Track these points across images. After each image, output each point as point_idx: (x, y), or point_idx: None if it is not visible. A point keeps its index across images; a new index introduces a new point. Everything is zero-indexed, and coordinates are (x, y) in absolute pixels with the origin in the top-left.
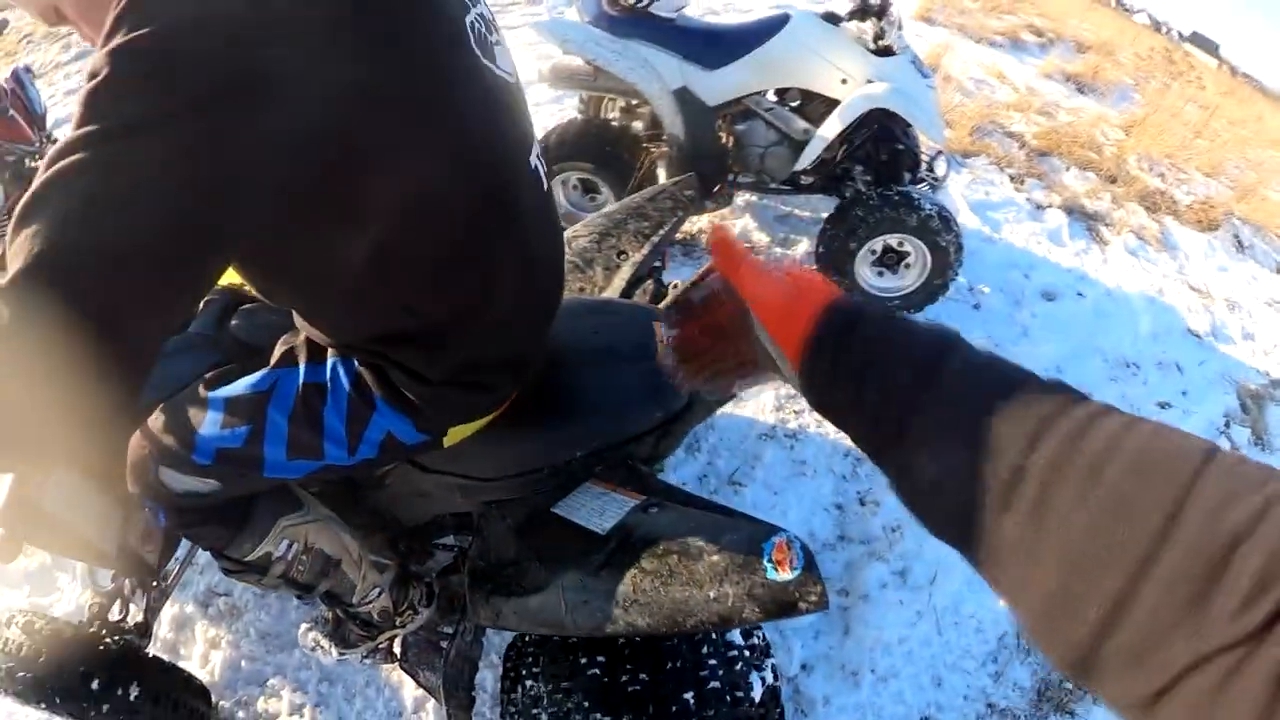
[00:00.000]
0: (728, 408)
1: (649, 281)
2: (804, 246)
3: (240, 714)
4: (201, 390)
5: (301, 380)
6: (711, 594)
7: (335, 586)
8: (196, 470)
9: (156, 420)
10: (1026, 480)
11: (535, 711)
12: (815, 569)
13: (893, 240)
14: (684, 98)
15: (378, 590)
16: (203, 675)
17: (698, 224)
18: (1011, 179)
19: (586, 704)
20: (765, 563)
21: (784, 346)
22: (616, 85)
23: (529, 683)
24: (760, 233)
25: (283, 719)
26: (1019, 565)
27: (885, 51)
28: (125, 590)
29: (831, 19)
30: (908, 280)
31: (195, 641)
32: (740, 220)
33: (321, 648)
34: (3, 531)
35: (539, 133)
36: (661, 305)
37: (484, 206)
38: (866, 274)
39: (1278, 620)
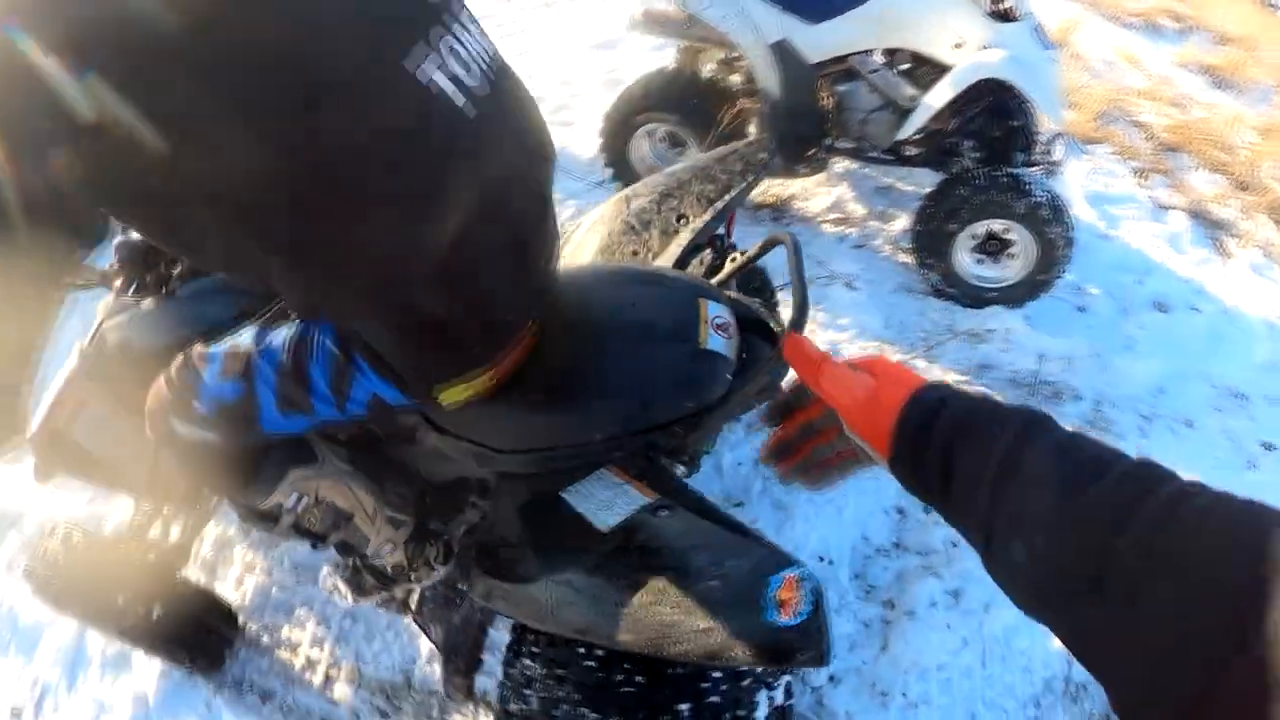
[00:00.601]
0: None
1: (707, 251)
2: (901, 223)
3: (265, 639)
4: (201, 346)
5: (290, 336)
6: (701, 624)
7: (349, 538)
8: (200, 421)
9: (171, 368)
10: (1115, 567)
11: (526, 692)
12: (823, 618)
13: (997, 226)
14: (782, 52)
15: (391, 546)
16: (234, 597)
17: (789, 188)
18: (1135, 173)
19: (577, 696)
20: (767, 601)
21: (873, 444)
22: (709, 34)
23: (527, 661)
24: (857, 204)
25: (304, 649)
26: (1111, 652)
27: (1005, 16)
28: (166, 511)
29: None
30: (1009, 272)
31: (232, 564)
32: (836, 189)
33: (339, 592)
34: (36, 462)
35: (629, 80)
36: (763, 404)
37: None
38: (965, 260)
39: None
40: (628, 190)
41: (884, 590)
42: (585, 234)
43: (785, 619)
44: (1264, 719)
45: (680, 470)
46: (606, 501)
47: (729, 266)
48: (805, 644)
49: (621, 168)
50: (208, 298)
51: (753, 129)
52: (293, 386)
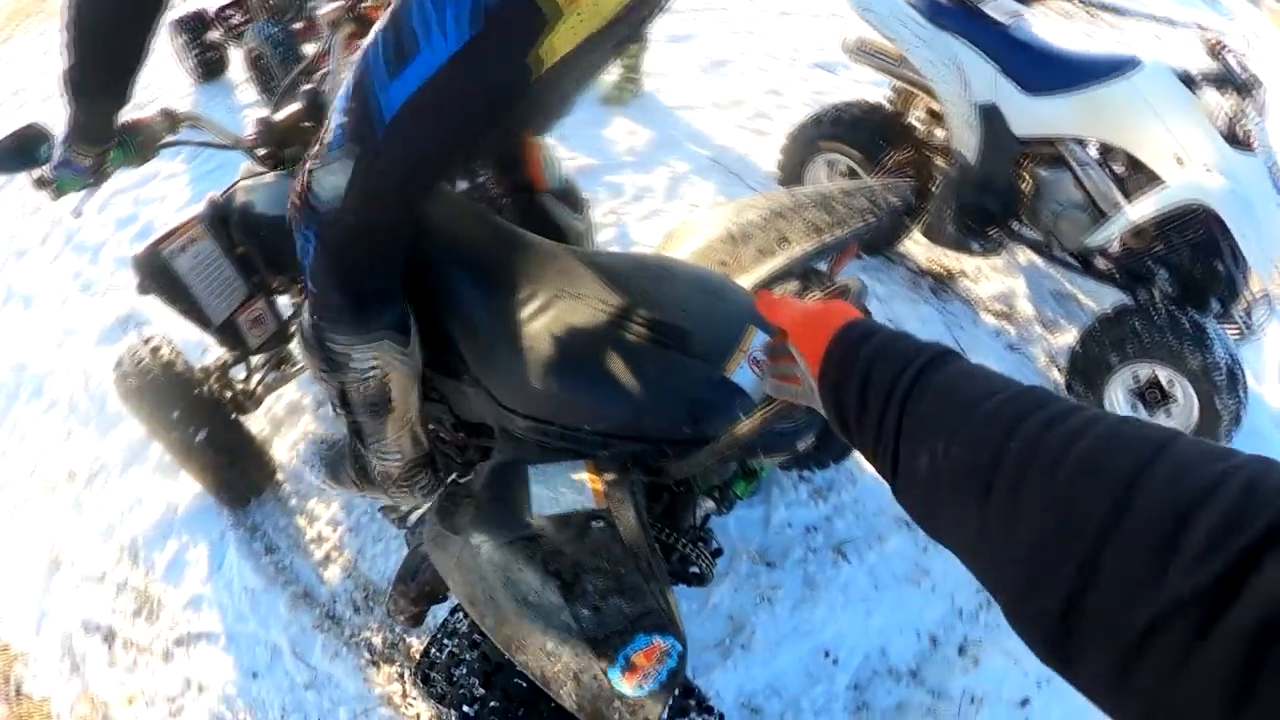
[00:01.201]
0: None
1: (795, 282)
2: (1068, 339)
3: (291, 501)
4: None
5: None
6: (549, 645)
7: (367, 425)
8: (332, 162)
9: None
10: (1003, 465)
11: (445, 642)
12: (664, 704)
13: (1163, 375)
14: (987, 116)
15: (398, 456)
16: (283, 457)
17: (962, 262)
18: None
19: (476, 666)
20: (620, 656)
21: (808, 359)
22: (916, 78)
23: (458, 615)
24: (1027, 303)
25: (319, 525)
26: (999, 546)
27: (1241, 142)
28: (252, 359)
29: (1187, 81)
30: None
31: (295, 428)
32: (1011, 280)
33: (312, 467)
34: (137, 277)
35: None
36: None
37: None
38: (1119, 397)
39: (1239, 581)
40: (745, 199)
41: (877, 715)
42: (688, 229)
43: (626, 684)
44: (1139, 586)
45: (709, 506)
46: (555, 493)
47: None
48: (634, 718)
49: (787, 186)
50: None
51: (935, 188)
52: (395, 29)
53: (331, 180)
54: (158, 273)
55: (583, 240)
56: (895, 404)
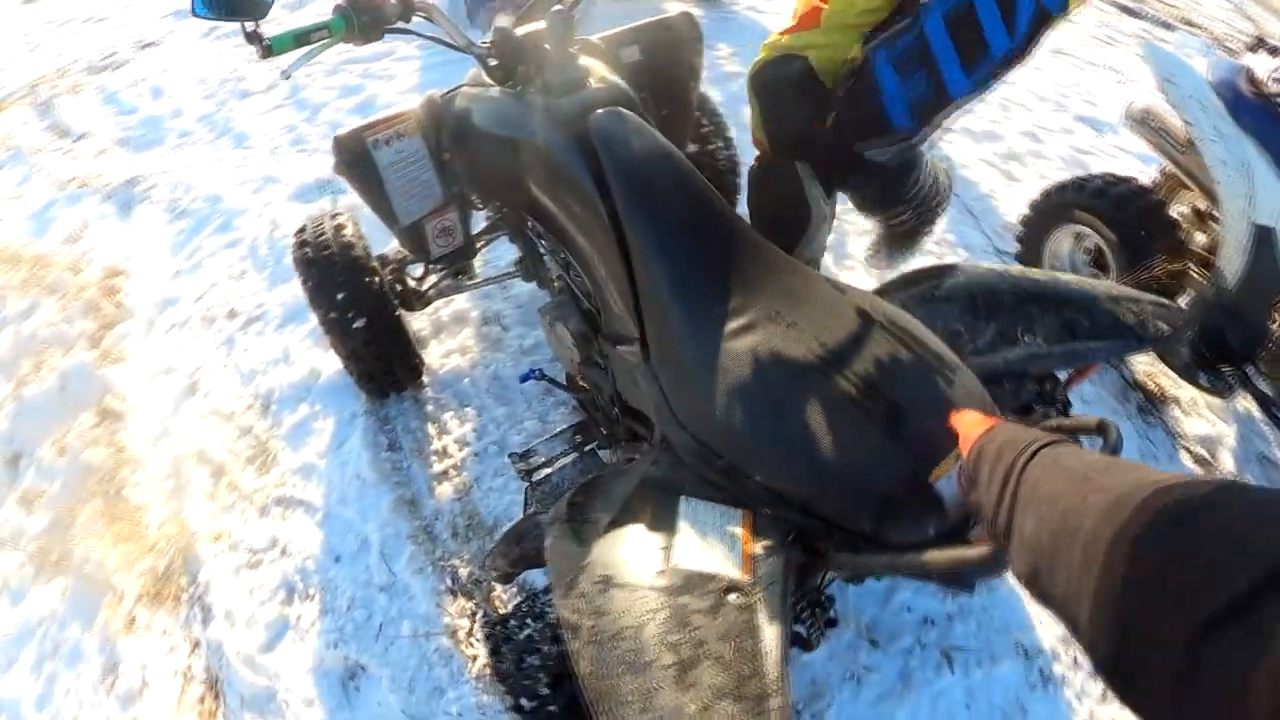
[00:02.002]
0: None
1: (1028, 382)
2: None
3: (428, 407)
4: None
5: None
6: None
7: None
8: (897, 138)
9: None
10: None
11: (517, 626)
12: None
13: None
14: (1262, 240)
15: (572, 353)
16: (434, 362)
17: (1181, 389)
18: None
19: (541, 664)
20: None
21: (964, 451)
22: (1197, 173)
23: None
24: (1229, 455)
25: (448, 440)
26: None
27: None
28: (433, 263)
29: None
30: None
31: (454, 338)
32: (1223, 427)
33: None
34: (335, 157)
35: (1096, 169)
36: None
37: None
38: None
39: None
40: (998, 266)
41: None
42: (926, 274)
43: None
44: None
45: (799, 631)
46: (705, 539)
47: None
48: None
49: (1029, 251)
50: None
51: (1184, 301)
52: (966, 32)
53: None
54: (357, 159)
55: (821, 227)
56: (1014, 475)
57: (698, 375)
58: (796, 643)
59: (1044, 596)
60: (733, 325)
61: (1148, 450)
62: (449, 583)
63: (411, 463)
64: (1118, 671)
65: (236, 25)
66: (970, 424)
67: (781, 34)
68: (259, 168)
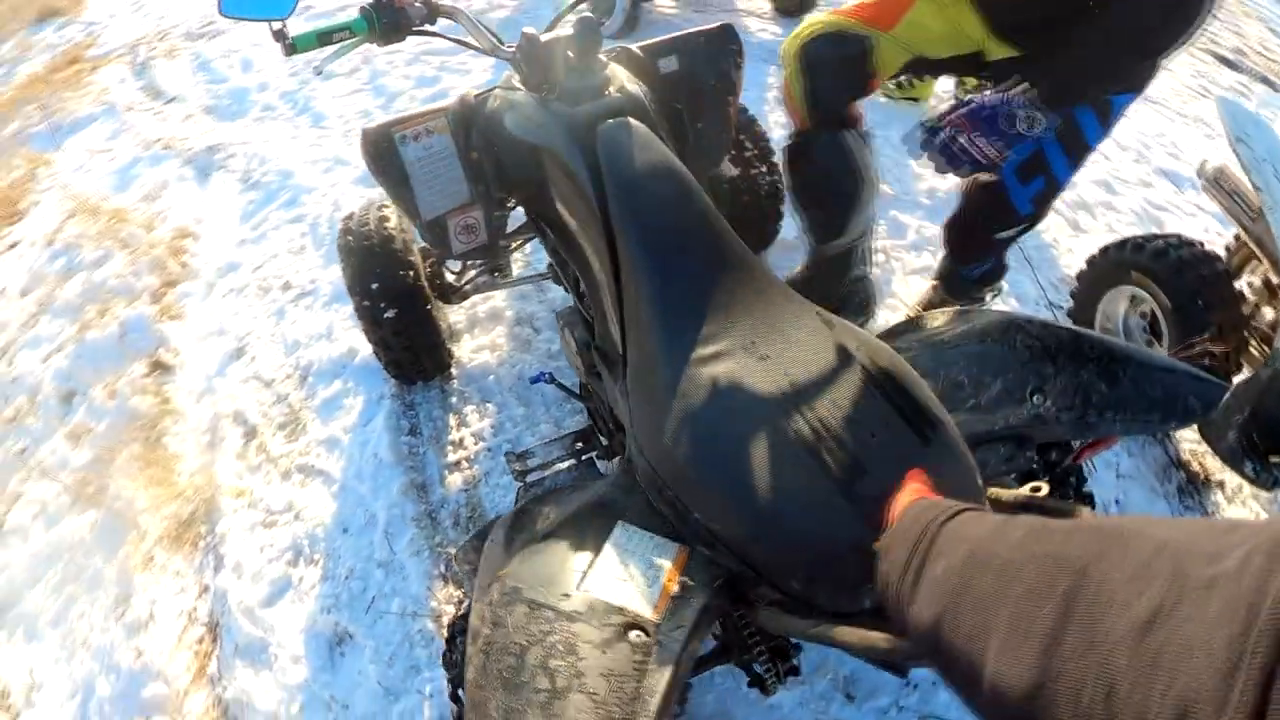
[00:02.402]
0: None
1: (1029, 450)
2: None
3: (452, 399)
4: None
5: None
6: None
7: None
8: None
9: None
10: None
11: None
12: None
13: None
14: None
15: (578, 360)
16: (464, 356)
17: (1223, 471)
18: None
19: None
20: None
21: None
22: (1267, 244)
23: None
24: None
25: (465, 432)
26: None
27: None
28: (455, 259)
29: None
30: None
31: (485, 336)
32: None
33: None
34: (362, 150)
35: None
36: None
37: None
38: None
39: None
40: (1014, 316)
41: None
42: (943, 313)
43: None
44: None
45: (757, 671)
46: (626, 568)
47: (1019, 490)
48: None
49: (1082, 308)
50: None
51: (1237, 380)
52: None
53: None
54: (383, 153)
55: (873, 194)
56: (928, 534)
57: (659, 399)
58: (754, 684)
59: (942, 649)
60: (702, 351)
61: None
62: (442, 569)
63: (428, 449)
64: (1034, 698)
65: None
66: (904, 494)
67: (841, 14)
68: (331, 148)
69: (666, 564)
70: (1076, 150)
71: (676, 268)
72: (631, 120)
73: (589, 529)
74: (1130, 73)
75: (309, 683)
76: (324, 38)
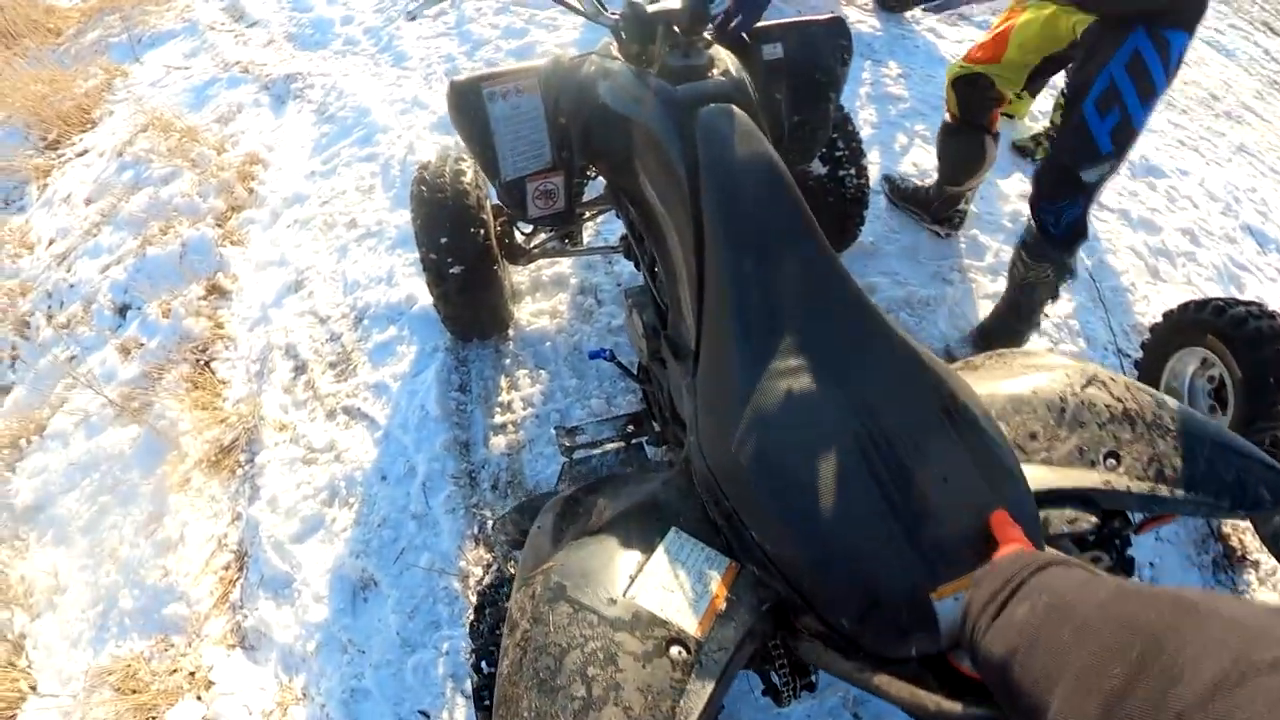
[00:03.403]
0: None
1: (1089, 517)
2: None
3: (506, 360)
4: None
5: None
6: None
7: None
8: (1104, 159)
9: None
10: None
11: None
12: None
13: None
14: None
15: (643, 343)
16: (526, 319)
17: (1262, 551)
18: None
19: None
20: None
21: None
22: None
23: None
24: None
25: (515, 395)
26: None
27: None
28: (529, 223)
29: None
30: None
31: (547, 301)
32: None
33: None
34: (448, 101)
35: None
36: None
37: None
38: None
39: None
40: (1106, 371)
41: None
42: (1021, 359)
43: None
44: None
45: (773, 680)
46: (675, 577)
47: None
48: None
49: (1150, 361)
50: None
51: None
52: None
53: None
54: (469, 106)
55: (988, 169)
56: (1020, 575)
57: (729, 405)
58: (768, 693)
59: (1009, 684)
60: (780, 364)
61: None
62: (475, 530)
63: (476, 408)
64: None
65: None
66: (1008, 544)
67: (966, 59)
68: (410, 90)
69: (716, 578)
70: (1144, 86)
71: (765, 271)
72: (735, 108)
73: (640, 530)
74: None
75: (329, 623)
76: None
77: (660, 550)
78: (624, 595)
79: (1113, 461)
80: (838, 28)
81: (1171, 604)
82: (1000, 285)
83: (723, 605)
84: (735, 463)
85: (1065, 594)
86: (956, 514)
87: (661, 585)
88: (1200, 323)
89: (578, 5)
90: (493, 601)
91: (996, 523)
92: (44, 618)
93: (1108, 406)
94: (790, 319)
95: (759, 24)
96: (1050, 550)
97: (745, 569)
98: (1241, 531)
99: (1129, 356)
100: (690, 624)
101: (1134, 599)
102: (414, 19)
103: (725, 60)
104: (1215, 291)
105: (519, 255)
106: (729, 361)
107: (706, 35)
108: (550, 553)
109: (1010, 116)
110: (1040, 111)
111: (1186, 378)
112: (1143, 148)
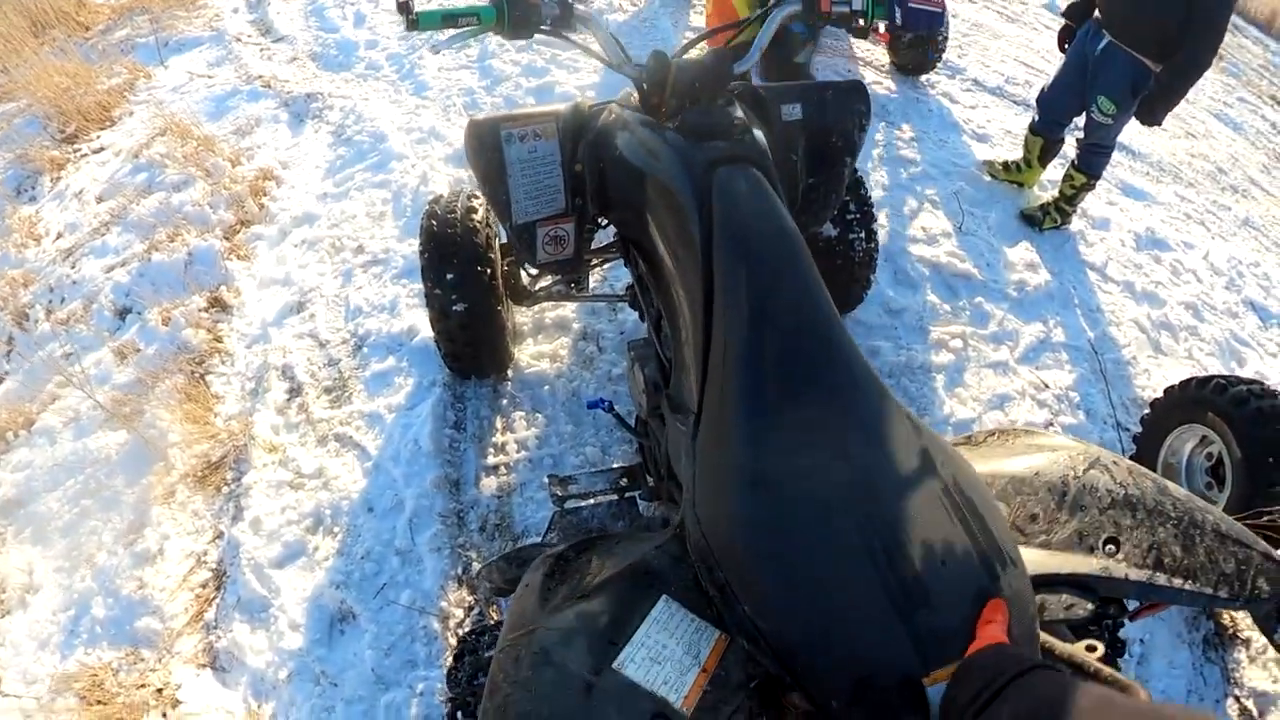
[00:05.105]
0: None
1: (1085, 603)
2: None
3: (503, 400)
4: None
5: None
6: None
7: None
8: None
9: None
10: None
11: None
12: None
13: None
14: None
15: (643, 398)
16: (525, 361)
17: (1255, 630)
18: None
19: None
20: None
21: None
22: None
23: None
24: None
25: (510, 437)
26: None
27: None
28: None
29: None
30: None
31: (548, 344)
32: None
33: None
34: (465, 139)
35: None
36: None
37: None
38: None
39: None
40: (1110, 455)
41: None
42: (1022, 438)
43: None
44: None
45: None
46: (662, 648)
47: (1074, 646)
48: None
49: (1149, 437)
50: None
51: None
52: None
53: None
54: (486, 146)
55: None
56: (1001, 678)
57: (728, 475)
58: None
59: None
60: (782, 434)
61: (1196, 686)
62: (459, 571)
63: (469, 447)
64: None
65: None
66: (989, 630)
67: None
68: (428, 120)
69: (705, 652)
70: None
71: (774, 339)
72: (753, 169)
73: (630, 596)
74: None
75: (303, 652)
76: (449, 20)
77: (649, 619)
78: (610, 665)
79: (1112, 547)
80: (857, 92)
81: None
82: (1004, 354)
83: (710, 680)
84: (731, 532)
85: (1049, 703)
86: (953, 599)
87: (649, 656)
88: (1201, 400)
89: (602, 54)
90: (473, 649)
91: (985, 613)
92: (14, 615)
93: (1109, 491)
94: (796, 390)
95: (778, 83)
96: (1044, 635)
97: (735, 642)
98: (1232, 611)
99: (1128, 430)
100: (676, 697)
101: (1117, 713)
102: (437, 52)
103: (744, 119)
104: (1216, 366)
105: (524, 296)
106: (732, 429)
107: (727, 92)
108: (537, 614)
109: (1020, 185)
110: (1049, 181)
111: (1185, 454)
112: (1149, 220)
